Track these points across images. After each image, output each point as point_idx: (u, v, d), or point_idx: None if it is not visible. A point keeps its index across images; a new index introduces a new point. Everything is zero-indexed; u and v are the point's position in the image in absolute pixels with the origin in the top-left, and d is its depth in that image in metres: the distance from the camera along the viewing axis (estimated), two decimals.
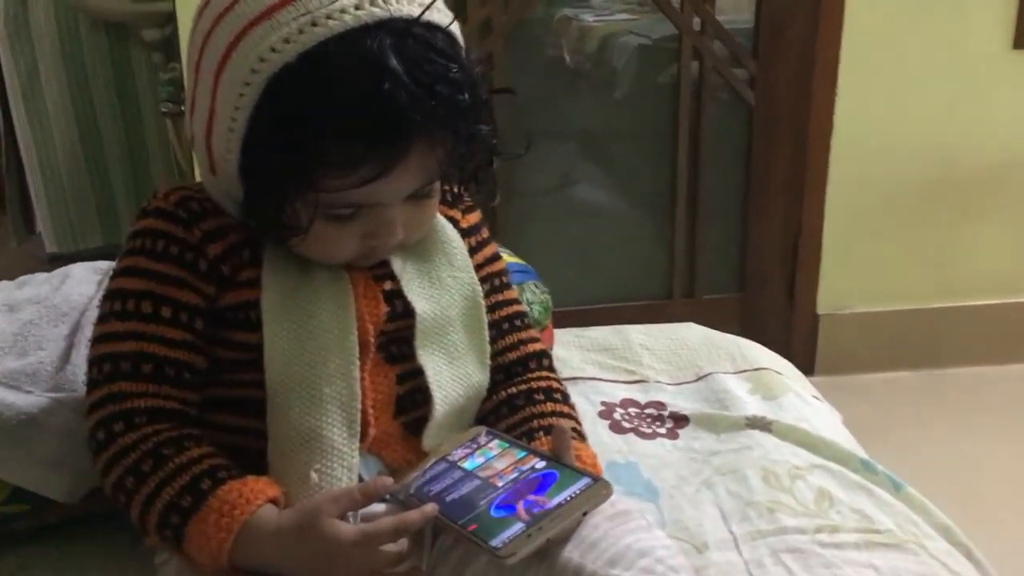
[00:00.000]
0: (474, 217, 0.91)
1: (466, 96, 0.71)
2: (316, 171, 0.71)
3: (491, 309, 0.88)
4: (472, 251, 0.88)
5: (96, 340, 0.79)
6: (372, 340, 0.80)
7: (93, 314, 0.85)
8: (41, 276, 1.11)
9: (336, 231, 0.76)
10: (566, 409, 0.87)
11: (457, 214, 0.89)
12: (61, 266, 1.15)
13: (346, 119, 0.69)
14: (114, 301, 0.78)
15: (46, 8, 2.54)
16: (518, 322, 0.91)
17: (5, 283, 1.11)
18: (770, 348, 1.33)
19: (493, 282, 0.90)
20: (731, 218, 2.17)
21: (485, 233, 0.91)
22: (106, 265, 1.10)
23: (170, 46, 2.30)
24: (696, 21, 2.05)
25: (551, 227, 2.16)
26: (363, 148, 0.70)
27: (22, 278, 1.11)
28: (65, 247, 2.72)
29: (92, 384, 0.77)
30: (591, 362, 1.23)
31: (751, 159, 2.12)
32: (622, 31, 2.18)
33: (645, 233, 2.22)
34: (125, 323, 0.77)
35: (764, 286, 2.20)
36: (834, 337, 2.19)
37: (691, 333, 1.31)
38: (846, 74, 2.02)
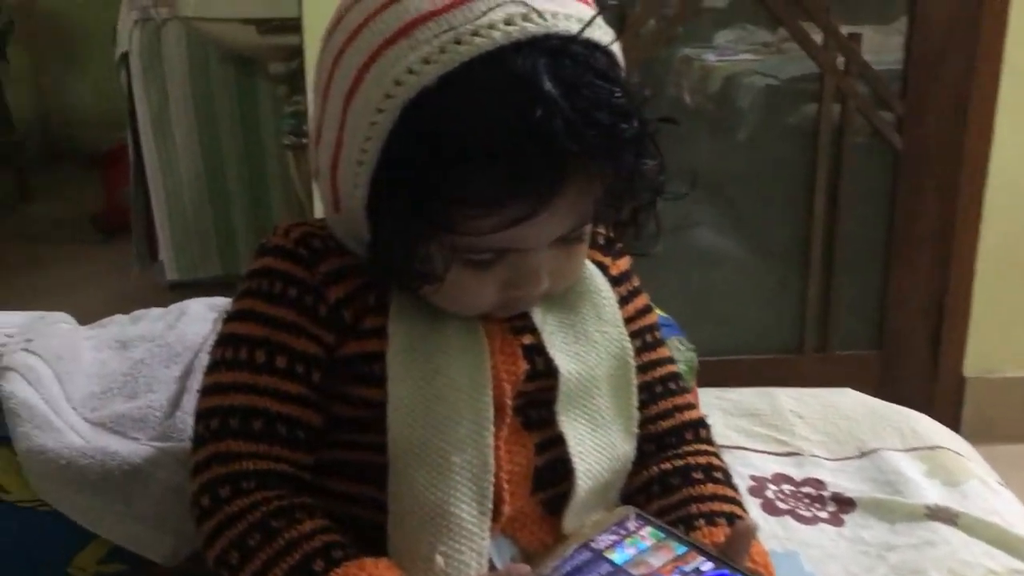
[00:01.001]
0: (624, 263, 0.80)
1: (631, 125, 0.61)
2: (455, 211, 0.62)
3: (642, 369, 0.77)
4: (622, 302, 0.77)
5: (204, 391, 0.71)
6: (509, 402, 0.70)
7: (207, 357, 0.78)
8: (156, 311, 1.06)
9: (473, 279, 0.66)
10: (729, 493, 0.75)
11: (607, 259, 0.78)
12: (180, 293, 1.10)
13: (491, 150, 0.60)
14: (226, 348, 0.71)
15: (178, 41, 2.61)
16: (672, 385, 0.79)
17: (119, 317, 1.06)
18: None
19: (645, 338, 0.79)
20: (871, 268, 2.03)
21: (636, 281, 0.81)
22: (223, 302, 1.05)
23: (295, 79, 2.32)
24: (840, 60, 1.93)
25: (669, 272, 2.05)
26: (510, 184, 0.60)
27: (137, 312, 1.06)
28: (185, 275, 2.76)
29: (198, 441, 0.70)
30: (736, 428, 1.10)
31: (895, 206, 1.98)
32: (747, 71, 2.08)
33: (773, 281, 2.09)
34: (236, 373, 0.69)
35: (905, 344, 2.04)
36: (982, 403, 2.01)
37: (849, 400, 1.17)
38: (1004, 115, 1.87)
